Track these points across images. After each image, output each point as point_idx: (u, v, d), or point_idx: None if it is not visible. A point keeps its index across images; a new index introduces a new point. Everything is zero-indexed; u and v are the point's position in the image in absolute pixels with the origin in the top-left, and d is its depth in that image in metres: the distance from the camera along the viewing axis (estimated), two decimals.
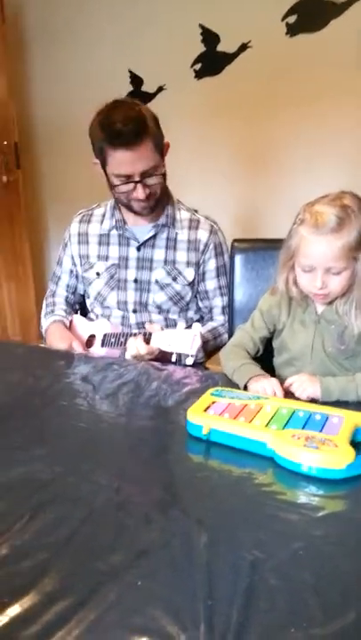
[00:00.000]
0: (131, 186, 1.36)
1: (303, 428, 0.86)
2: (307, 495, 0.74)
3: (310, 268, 1.09)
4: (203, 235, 1.52)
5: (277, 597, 0.55)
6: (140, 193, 1.36)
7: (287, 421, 0.89)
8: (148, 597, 0.55)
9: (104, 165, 1.37)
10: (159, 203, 1.46)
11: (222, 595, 0.55)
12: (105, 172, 1.39)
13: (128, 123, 1.27)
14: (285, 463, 0.80)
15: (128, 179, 1.35)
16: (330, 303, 1.15)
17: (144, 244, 1.50)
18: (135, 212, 1.45)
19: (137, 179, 1.34)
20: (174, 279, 1.51)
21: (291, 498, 0.74)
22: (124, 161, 1.32)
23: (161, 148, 1.38)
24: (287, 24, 2.57)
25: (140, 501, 0.72)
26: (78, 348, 1.46)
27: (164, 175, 1.40)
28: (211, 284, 1.56)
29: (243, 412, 0.92)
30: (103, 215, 1.57)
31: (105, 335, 1.46)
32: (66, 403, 1.07)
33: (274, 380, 1.07)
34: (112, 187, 1.39)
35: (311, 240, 1.05)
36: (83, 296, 1.71)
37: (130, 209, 1.45)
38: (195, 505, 0.72)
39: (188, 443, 0.90)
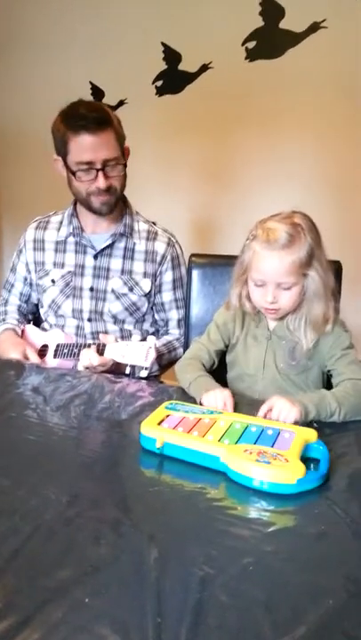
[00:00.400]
0: (92, 174, 1.36)
1: (255, 442, 0.87)
2: (258, 510, 0.74)
3: (262, 283, 1.11)
4: (160, 246, 1.52)
5: (227, 614, 0.54)
6: (101, 182, 1.36)
7: (240, 436, 0.89)
8: (95, 615, 0.53)
9: (65, 157, 1.37)
10: (117, 203, 1.45)
11: (172, 612, 0.54)
12: (66, 165, 1.38)
13: (92, 110, 1.32)
14: (238, 478, 0.80)
15: (89, 167, 1.35)
16: (281, 319, 1.18)
17: (101, 252, 1.49)
18: (94, 211, 1.44)
19: (98, 166, 1.34)
20: (130, 289, 1.50)
21: (242, 513, 0.74)
22: (86, 146, 1.32)
23: (122, 146, 1.40)
24: (247, 49, 2.64)
25: (91, 516, 0.71)
26: (32, 356, 1.42)
27: (125, 166, 1.41)
28: (167, 296, 1.57)
29: (196, 426, 0.92)
30: (60, 222, 1.55)
31: (58, 346, 1.44)
32: (15, 414, 1.04)
33: (226, 392, 1.07)
34: (73, 176, 1.38)
35: (263, 255, 1.08)
36: (36, 305, 1.67)
37: (89, 207, 1.43)
38: (146, 520, 0.70)
39: (140, 456, 0.89)
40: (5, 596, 0.56)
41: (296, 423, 0.97)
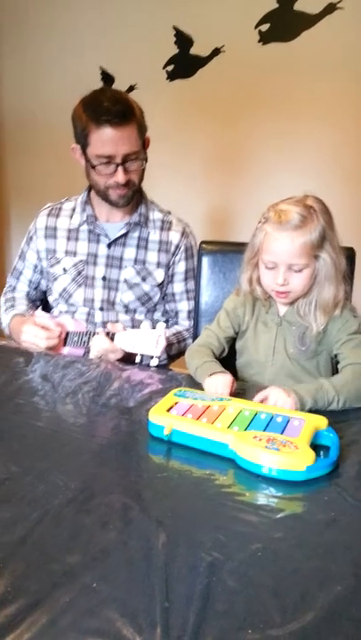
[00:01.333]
0: (111, 168, 1.34)
1: (265, 430, 0.86)
2: (266, 497, 0.74)
3: (273, 265, 1.10)
4: (174, 236, 1.51)
5: (235, 599, 0.54)
6: (120, 176, 1.34)
7: (249, 423, 0.89)
8: (103, 599, 0.54)
9: (85, 148, 1.35)
10: (135, 195, 1.44)
11: (179, 596, 0.54)
12: (85, 155, 1.36)
13: (116, 103, 1.28)
14: (246, 465, 0.80)
15: (109, 160, 1.33)
16: (291, 304, 1.17)
17: (115, 241, 1.48)
18: (111, 203, 1.43)
19: (118, 161, 1.33)
20: (143, 279, 1.49)
21: (251, 499, 0.73)
22: (107, 140, 1.30)
23: (144, 138, 1.38)
24: (260, 32, 2.60)
25: (99, 502, 0.71)
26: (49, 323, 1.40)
27: (145, 160, 1.38)
28: (178, 286, 1.56)
29: (205, 414, 0.91)
30: (73, 209, 1.54)
31: (68, 333, 1.43)
32: (23, 401, 1.04)
33: (228, 377, 1.07)
34: (92, 168, 1.36)
35: (275, 236, 1.07)
36: (44, 293, 1.67)
37: (106, 198, 1.42)
38: (154, 506, 0.70)
39: (149, 443, 0.89)
40: (14, 580, 0.56)
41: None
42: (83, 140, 1.34)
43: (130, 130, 1.31)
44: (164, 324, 1.28)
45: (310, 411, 0.98)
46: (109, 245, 1.49)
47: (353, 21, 2.40)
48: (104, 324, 1.51)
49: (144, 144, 1.39)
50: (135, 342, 1.24)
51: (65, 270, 1.52)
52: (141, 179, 1.43)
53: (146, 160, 1.39)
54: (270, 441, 0.81)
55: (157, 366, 1.26)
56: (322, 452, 0.85)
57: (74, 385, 1.12)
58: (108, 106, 1.27)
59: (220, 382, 1.05)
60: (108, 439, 0.90)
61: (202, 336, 1.29)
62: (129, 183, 1.38)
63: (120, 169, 1.33)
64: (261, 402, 1.00)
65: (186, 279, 1.56)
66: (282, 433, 0.85)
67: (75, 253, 1.52)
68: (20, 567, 0.58)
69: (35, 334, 1.36)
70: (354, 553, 0.62)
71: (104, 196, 1.42)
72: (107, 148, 1.31)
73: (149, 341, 1.22)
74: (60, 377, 1.16)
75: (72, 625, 0.50)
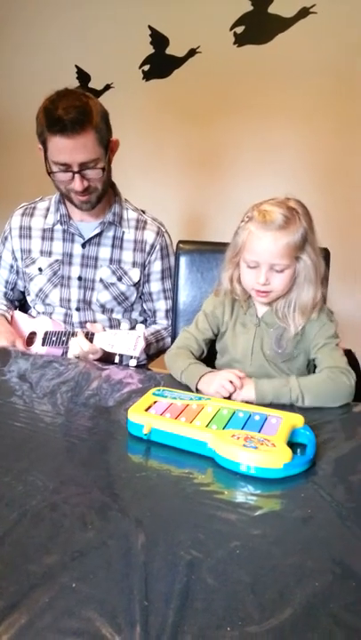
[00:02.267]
0: (68, 175, 1.32)
1: (243, 428, 0.87)
2: (245, 494, 0.74)
3: (255, 264, 1.11)
4: (149, 236, 1.51)
5: (214, 597, 0.55)
6: (77, 184, 1.32)
7: (227, 422, 0.89)
8: (82, 599, 0.53)
9: (45, 152, 1.33)
10: (101, 199, 1.43)
11: (159, 595, 0.54)
12: (46, 158, 1.35)
13: (70, 111, 1.24)
14: (225, 463, 0.80)
15: (66, 168, 1.31)
16: (270, 305, 1.18)
17: (89, 241, 1.48)
18: (75, 206, 1.42)
19: (75, 169, 1.31)
20: (119, 279, 1.49)
21: (229, 497, 0.74)
22: (61, 149, 1.28)
23: (106, 143, 1.35)
24: (235, 34, 2.62)
25: (77, 502, 0.70)
26: (20, 347, 1.41)
27: (104, 170, 1.35)
28: (155, 286, 1.56)
29: (184, 412, 0.92)
30: (47, 209, 1.53)
31: (46, 333, 1.42)
32: (1, 401, 1.03)
33: (225, 374, 1.07)
34: (50, 174, 1.35)
35: (258, 235, 1.08)
36: (23, 293, 1.65)
37: (71, 201, 1.41)
38: (133, 505, 0.70)
39: (128, 442, 0.89)
40: None
41: (251, 403, 1.01)
42: (42, 144, 1.33)
43: (85, 138, 1.27)
44: (143, 326, 1.28)
45: (281, 407, 1.00)
46: (84, 245, 1.48)
47: (326, 26, 2.44)
48: (82, 324, 1.51)
49: (107, 147, 1.37)
50: (114, 342, 1.23)
51: (40, 270, 1.51)
52: (105, 182, 1.41)
53: (105, 167, 1.36)
54: (248, 439, 0.82)
55: (136, 366, 1.26)
56: (299, 450, 0.86)
57: (52, 385, 1.11)
58: (61, 115, 1.24)
59: (225, 384, 1.06)
60: (86, 439, 0.89)
61: (180, 338, 1.29)
62: (89, 189, 1.36)
63: (77, 177, 1.32)
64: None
65: (163, 278, 1.56)
66: (259, 431, 0.86)
67: (50, 253, 1.50)
68: None
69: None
70: (331, 549, 0.63)
71: (69, 200, 1.42)
72: (61, 156, 1.29)
73: (128, 342, 1.21)
74: (38, 377, 1.15)
75: (51, 625, 0.50)
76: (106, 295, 1.49)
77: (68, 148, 1.27)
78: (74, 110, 1.24)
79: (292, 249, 1.08)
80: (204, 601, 0.54)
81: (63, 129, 1.24)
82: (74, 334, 1.34)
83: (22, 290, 1.64)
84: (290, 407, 1.03)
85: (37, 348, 1.43)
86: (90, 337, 1.29)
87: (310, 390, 1.04)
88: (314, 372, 1.20)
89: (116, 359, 1.25)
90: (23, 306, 1.68)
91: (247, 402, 1.03)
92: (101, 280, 1.48)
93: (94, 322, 1.48)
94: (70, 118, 1.24)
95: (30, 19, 3.05)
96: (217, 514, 0.69)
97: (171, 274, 1.57)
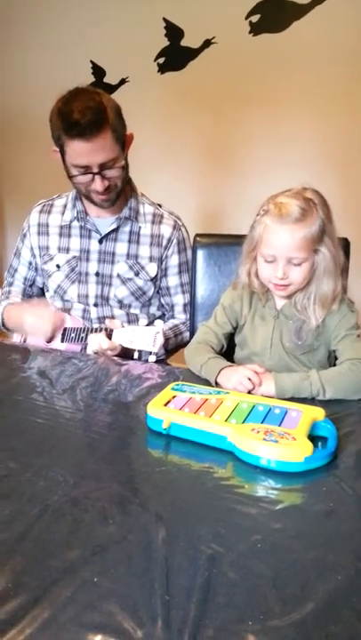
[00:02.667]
0: (89, 177, 1.32)
1: (263, 422, 0.86)
2: (265, 488, 0.74)
3: (272, 259, 1.10)
4: (166, 230, 1.50)
5: (235, 591, 0.54)
6: (98, 185, 1.32)
7: (247, 416, 0.89)
8: (104, 594, 0.54)
9: (62, 154, 1.33)
10: (120, 195, 1.43)
11: (180, 589, 0.54)
12: (64, 161, 1.35)
13: (86, 113, 1.23)
14: (245, 457, 0.80)
15: (86, 170, 1.31)
16: (289, 297, 1.17)
17: (106, 236, 1.48)
18: (96, 205, 1.42)
19: (95, 170, 1.31)
20: (137, 274, 1.49)
21: (250, 491, 0.74)
22: (81, 152, 1.28)
23: (122, 140, 1.34)
24: (250, 23, 2.59)
25: (98, 497, 0.71)
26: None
27: (123, 167, 1.36)
28: (173, 280, 1.55)
29: (203, 407, 0.91)
30: (64, 206, 1.53)
31: (65, 330, 1.43)
32: (21, 397, 1.04)
33: (244, 370, 1.07)
34: (70, 177, 1.36)
35: (275, 229, 1.06)
36: (41, 289, 1.67)
37: (91, 201, 1.42)
38: (153, 499, 0.71)
39: (147, 437, 0.89)
40: (15, 576, 0.56)
41: (271, 397, 1.01)
42: (59, 147, 1.32)
43: (103, 139, 1.27)
44: (162, 321, 1.28)
45: (301, 400, 0.99)
46: (101, 241, 1.48)
47: (342, 11, 2.39)
48: (100, 319, 1.51)
49: (124, 144, 1.36)
50: (133, 338, 1.24)
51: (58, 267, 1.52)
52: (124, 178, 1.40)
53: (125, 165, 1.36)
54: (268, 433, 0.81)
55: (155, 361, 1.26)
56: (320, 443, 0.85)
57: (71, 381, 1.12)
58: (78, 118, 1.23)
59: (243, 380, 1.05)
60: (106, 434, 0.90)
61: (199, 333, 1.29)
62: (109, 188, 1.36)
63: (97, 178, 1.31)
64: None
65: (180, 272, 1.55)
66: (280, 425, 0.85)
67: (67, 250, 1.51)
68: (21, 563, 0.58)
69: (37, 315, 1.39)
70: (353, 543, 0.62)
71: (88, 199, 1.42)
72: (81, 159, 1.29)
73: (147, 338, 1.22)
74: (58, 373, 1.16)
75: (73, 619, 0.51)
76: (123, 290, 1.49)
77: (86, 151, 1.27)
78: (89, 112, 1.23)
79: (309, 241, 1.06)
80: (225, 595, 0.54)
81: (82, 132, 1.24)
82: (93, 330, 1.34)
83: (41, 286, 1.66)
84: (310, 400, 1.02)
85: (57, 344, 1.44)
86: (109, 333, 1.30)
87: (331, 383, 1.03)
88: (335, 363, 1.19)
89: (135, 355, 1.25)
90: None
91: (267, 397, 1.02)
92: (119, 275, 1.48)
93: (112, 317, 1.48)
94: (87, 121, 1.23)
95: (43, 15, 3.06)
96: (237, 508, 0.69)
97: (188, 268, 1.56)
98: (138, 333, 1.23)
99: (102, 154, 1.28)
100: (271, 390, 1.04)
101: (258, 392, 1.04)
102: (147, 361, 1.26)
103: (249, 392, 1.04)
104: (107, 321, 1.37)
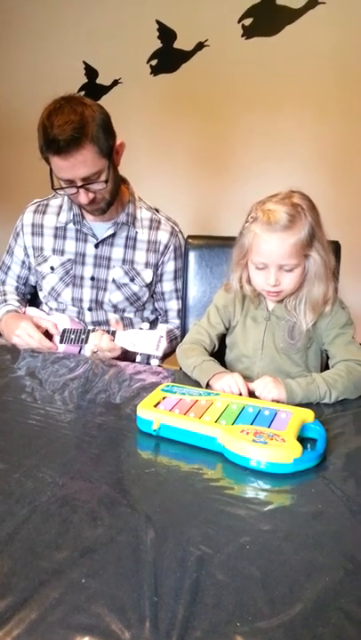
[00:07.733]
0: (73, 190, 1.31)
1: (252, 423, 0.87)
2: (255, 490, 0.74)
3: (263, 266, 1.10)
4: (163, 236, 1.50)
5: (224, 592, 0.54)
6: (82, 198, 1.31)
7: (237, 417, 0.89)
8: (92, 595, 0.54)
9: (49, 164, 1.32)
10: (112, 204, 1.41)
11: (168, 591, 0.54)
12: (51, 173, 1.34)
13: (66, 129, 1.20)
14: (234, 458, 0.80)
15: (70, 183, 1.30)
16: (281, 300, 1.17)
17: (103, 241, 1.47)
18: (87, 212, 1.42)
19: (78, 184, 1.29)
20: (132, 280, 1.48)
21: (239, 493, 0.74)
22: (61, 167, 1.27)
23: (108, 152, 1.31)
24: (243, 26, 2.59)
25: (87, 498, 0.71)
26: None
27: (107, 182, 1.32)
28: (168, 285, 1.55)
29: (193, 408, 0.91)
30: (60, 207, 1.52)
31: (64, 331, 1.41)
32: (11, 398, 1.03)
33: (236, 376, 1.07)
34: (54, 189, 1.35)
35: (264, 238, 1.06)
36: (34, 287, 1.65)
37: (82, 208, 1.41)
38: (143, 501, 0.70)
39: (137, 438, 0.89)
40: (2, 577, 0.56)
41: (278, 402, 0.99)
42: (45, 159, 1.31)
43: (84, 154, 1.25)
44: (165, 325, 1.27)
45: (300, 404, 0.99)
46: (97, 245, 1.47)
47: (335, 16, 2.41)
48: (94, 323, 1.51)
49: (111, 155, 1.33)
50: (136, 342, 1.23)
51: (52, 269, 1.51)
52: (114, 189, 1.39)
53: (114, 176, 1.35)
54: (258, 434, 0.81)
55: (147, 363, 1.26)
56: (309, 445, 0.85)
57: (62, 381, 1.12)
58: (56, 135, 1.20)
59: (231, 384, 1.05)
60: (95, 435, 0.89)
61: (192, 332, 1.29)
62: (95, 200, 1.35)
63: (81, 191, 1.30)
64: (252, 391, 1.03)
65: (175, 278, 1.55)
66: (269, 426, 0.85)
67: (62, 252, 1.50)
68: (8, 564, 0.58)
69: (29, 333, 1.36)
70: (341, 544, 0.63)
71: (80, 207, 1.41)
72: (63, 173, 1.28)
73: (151, 341, 1.21)
74: (48, 373, 1.16)
75: (61, 621, 0.50)
76: (118, 296, 1.48)
77: (66, 167, 1.26)
78: (69, 127, 1.20)
79: (299, 247, 1.06)
80: (213, 596, 0.54)
81: (59, 150, 1.22)
82: (92, 331, 1.33)
83: (34, 284, 1.64)
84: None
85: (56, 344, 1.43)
86: (111, 335, 1.29)
87: (335, 385, 1.03)
88: (327, 362, 1.20)
89: (138, 358, 1.25)
90: (34, 300, 1.68)
91: (278, 401, 1.00)
92: (114, 280, 1.47)
93: (107, 321, 1.48)
94: (65, 138, 1.20)
95: (36, 16, 3.05)
96: (227, 509, 0.69)
97: (183, 274, 1.56)
98: (141, 337, 1.23)
99: (83, 169, 1.27)
100: (282, 395, 1.02)
101: (268, 397, 1.01)
102: (149, 364, 1.25)
103: (255, 397, 1.03)
104: (112, 323, 1.36)
